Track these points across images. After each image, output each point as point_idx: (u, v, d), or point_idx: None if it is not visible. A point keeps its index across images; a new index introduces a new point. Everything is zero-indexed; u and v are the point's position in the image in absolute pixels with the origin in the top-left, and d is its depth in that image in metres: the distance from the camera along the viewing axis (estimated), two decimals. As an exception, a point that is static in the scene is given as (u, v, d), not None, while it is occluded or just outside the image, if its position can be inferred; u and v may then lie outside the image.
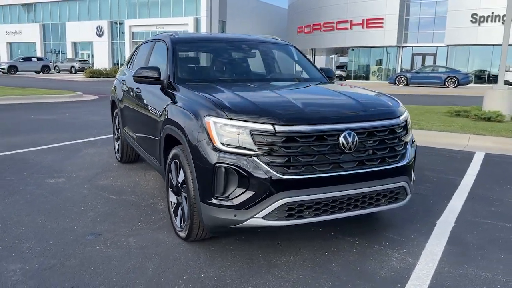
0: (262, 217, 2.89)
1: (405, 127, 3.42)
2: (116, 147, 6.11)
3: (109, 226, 3.77)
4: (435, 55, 37.75)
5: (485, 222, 4.00)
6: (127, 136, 5.33)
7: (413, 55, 39.02)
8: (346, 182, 3.04)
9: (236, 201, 2.89)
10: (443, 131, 8.33)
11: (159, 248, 3.33)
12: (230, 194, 2.90)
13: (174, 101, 3.58)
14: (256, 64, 4.58)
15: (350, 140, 3.00)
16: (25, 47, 58.83)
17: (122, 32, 51.18)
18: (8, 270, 2.96)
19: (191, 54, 4.48)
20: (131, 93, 4.96)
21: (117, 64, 50.92)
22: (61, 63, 47.19)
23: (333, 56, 40.87)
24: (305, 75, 4.68)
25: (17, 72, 39.75)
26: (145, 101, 4.36)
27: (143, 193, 4.70)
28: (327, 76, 4.71)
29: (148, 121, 4.16)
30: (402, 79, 30.40)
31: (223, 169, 2.88)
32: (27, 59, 42.49)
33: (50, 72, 42.67)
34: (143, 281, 2.84)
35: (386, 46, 38.98)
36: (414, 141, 3.63)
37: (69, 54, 54.44)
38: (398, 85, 29.95)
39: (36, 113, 11.53)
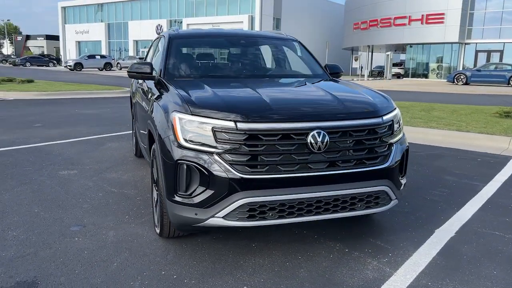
0: (222, 217, 2.80)
1: (390, 127, 3.19)
2: (133, 141, 6.25)
3: (96, 218, 3.84)
4: (501, 52, 35.34)
5: (492, 233, 3.64)
6: (136, 131, 5.44)
7: (477, 52, 36.78)
8: (315, 183, 2.87)
9: (196, 200, 2.82)
10: (483, 133, 7.74)
11: (133, 243, 3.34)
12: (192, 192, 2.84)
13: (158, 97, 3.56)
14: (253, 60, 4.47)
15: (319, 139, 2.83)
16: (92, 45, 62.13)
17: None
18: (-16, 256, 3.09)
19: (187, 49, 4.45)
20: (138, 89, 5.04)
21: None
22: (123, 60, 49.34)
23: (388, 53, 39.40)
24: (305, 72, 4.51)
25: (82, 69, 42.06)
26: (142, 97, 4.40)
27: (144, 187, 4.75)
28: (333, 72, 4.51)
29: (143, 116, 4.20)
30: (461, 77, 28.78)
31: (185, 166, 2.83)
32: (92, 56, 44.90)
33: (112, 69, 44.74)
34: (103, 274, 2.86)
35: (447, 43, 37.03)
36: (402, 141, 3.36)
37: (131, 52, 56.80)
38: (456, 84, 28.39)
39: (81, 108, 12.09)
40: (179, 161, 2.83)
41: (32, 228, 3.60)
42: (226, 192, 2.75)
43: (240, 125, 2.77)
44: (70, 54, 62.04)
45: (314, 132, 2.83)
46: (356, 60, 47.66)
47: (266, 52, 4.66)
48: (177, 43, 4.30)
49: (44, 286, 2.70)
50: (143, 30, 55.38)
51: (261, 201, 2.78)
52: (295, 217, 2.90)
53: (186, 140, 2.85)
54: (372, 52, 48.96)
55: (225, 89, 3.56)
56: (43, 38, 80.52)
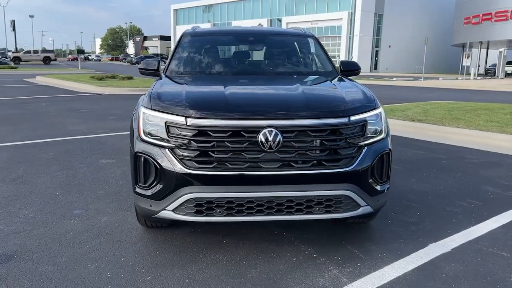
0: (172, 210, 2.86)
1: (362, 128, 2.96)
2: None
3: (102, 204, 4.13)
4: None
5: (497, 253, 3.20)
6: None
7: None
8: (266, 183, 2.79)
9: (150, 192, 2.92)
10: None
11: (116, 230, 3.54)
12: (148, 184, 2.94)
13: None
14: (258, 57, 4.42)
15: (270, 138, 2.74)
16: (198, 44, 65.63)
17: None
18: (-11, 229, 3.53)
19: (196, 47, 4.54)
20: None
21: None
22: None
23: (501, 49, 35.61)
24: (311, 69, 4.36)
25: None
26: None
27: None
28: (347, 70, 4.30)
29: None
30: None
31: (143, 159, 2.94)
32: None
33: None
34: (70, 255, 3.08)
35: None
36: (381, 144, 3.09)
37: (233, 51, 58.98)
38: None
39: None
40: (138, 153, 2.95)
41: (43, 208, 4.00)
42: (174, 186, 2.81)
43: (190, 121, 2.80)
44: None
45: (266, 130, 2.75)
46: (467, 57, 43.99)
47: (276, 48, 4.58)
48: (186, 41, 4.43)
49: (17, 260, 3.01)
50: (245, 30, 57.07)
51: (207, 197, 2.78)
52: (244, 216, 2.85)
53: (145, 134, 2.95)
54: (487, 49, 44.76)
55: (201, 85, 3.60)
56: (157, 39, 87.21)
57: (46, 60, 56.07)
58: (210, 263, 3.01)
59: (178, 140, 2.82)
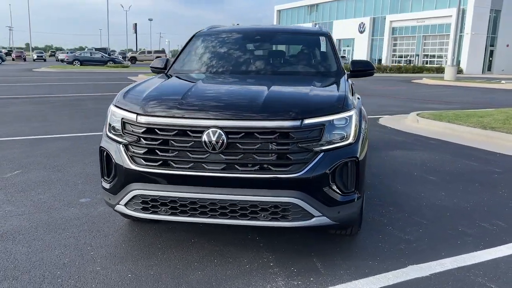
0: (124, 205, 2.93)
1: (319, 132, 2.74)
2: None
3: (108, 195, 4.37)
4: None
5: (486, 286, 2.74)
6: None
7: None
8: (210, 185, 2.72)
9: (109, 185, 3.02)
10: None
11: (102, 220, 3.71)
12: (108, 178, 3.05)
13: None
14: (260, 56, 4.28)
15: (214, 139, 2.67)
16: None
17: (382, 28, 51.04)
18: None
19: (205, 46, 4.54)
20: None
21: (375, 60, 51.30)
22: (322, 58, 50.94)
23: None
24: (313, 69, 4.13)
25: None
26: None
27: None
28: (356, 70, 4.03)
29: None
30: None
31: (104, 153, 3.05)
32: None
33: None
34: (46, 240, 3.30)
35: None
36: (346, 151, 2.82)
37: (333, 51, 58.00)
38: None
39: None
40: (101, 148, 3.07)
41: (58, 195, 4.35)
42: (124, 182, 2.87)
43: (139, 118, 2.84)
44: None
45: (210, 130, 2.68)
46: None
47: (282, 48, 4.41)
48: (195, 41, 4.49)
49: (1, 239, 3.31)
50: (346, 29, 55.83)
51: (152, 194, 2.80)
52: (188, 216, 2.81)
53: (110, 129, 3.06)
54: None
55: (173, 84, 3.58)
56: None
57: (158, 60, 60.47)
58: (163, 261, 3.02)
59: (131, 137, 2.87)
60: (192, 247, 3.23)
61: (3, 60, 50.40)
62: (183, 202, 2.78)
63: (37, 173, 5.08)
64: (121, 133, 2.93)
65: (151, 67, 4.38)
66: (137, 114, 2.86)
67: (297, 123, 2.70)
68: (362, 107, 3.49)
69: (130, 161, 2.84)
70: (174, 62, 4.29)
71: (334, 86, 3.29)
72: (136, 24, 76.13)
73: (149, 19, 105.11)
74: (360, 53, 53.62)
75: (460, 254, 3.17)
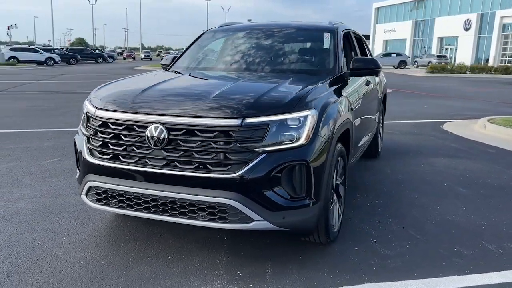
0: (84, 195, 3.05)
1: (262, 132, 2.59)
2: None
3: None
4: None
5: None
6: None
7: None
8: (152, 181, 2.73)
9: (77, 175, 3.17)
10: None
11: (96, 210, 3.88)
12: (77, 168, 3.20)
13: None
14: (256, 53, 4.13)
15: (155, 134, 2.67)
16: (397, 43, 62.85)
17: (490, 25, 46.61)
18: (14, 192, 4.32)
19: (212, 43, 4.51)
20: None
21: (481, 60, 47.12)
22: (420, 58, 48.08)
23: None
24: (306, 67, 3.93)
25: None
26: None
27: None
28: (356, 68, 3.75)
29: None
30: None
31: (75, 145, 3.21)
32: (387, 55, 45.77)
33: (406, 67, 44.35)
34: (34, 223, 3.56)
35: None
36: (294, 152, 2.63)
37: (434, 50, 54.46)
38: None
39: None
40: (74, 140, 3.24)
41: (73, 183, 4.62)
42: (83, 172, 3.00)
43: (97, 112, 2.94)
44: (374, 53, 64.76)
45: (152, 126, 2.69)
46: None
47: (280, 44, 4.22)
48: (202, 37, 4.51)
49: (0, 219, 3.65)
50: (449, 27, 51.96)
51: (103, 187, 2.88)
52: (134, 210, 2.84)
53: (82, 122, 3.21)
54: None
55: (146, 80, 3.59)
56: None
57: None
58: (120, 252, 3.09)
59: (91, 130, 2.99)
60: (157, 241, 3.26)
61: (114, 59, 55.38)
62: (129, 196, 2.82)
63: (70, 162, 5.49)
64: (85, 126, 3.06)
65: (161, 64, 4.49)
66: (96, 108, 2.97)
67: (237, 122, 2.59)
68: (341, 108, 3.23)
69: (88, 153, 2.95)
70: (177, 59, 4.36)
71: (303, 85, 3.09)
72: (236, 24, 78.72)
73: (248, 20, 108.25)
74: (464, 52, 49.53)
75: (436, 277, 2.80)
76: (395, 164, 5.68)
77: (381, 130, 6.13)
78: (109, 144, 2.87)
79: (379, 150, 5.96)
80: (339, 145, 3.20)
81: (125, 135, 2.81)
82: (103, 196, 2.93)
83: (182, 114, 2.68)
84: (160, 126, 2.67)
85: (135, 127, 2.77)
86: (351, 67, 3.78)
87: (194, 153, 2.64)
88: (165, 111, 2.73)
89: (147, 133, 2.70)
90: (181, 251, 3.11)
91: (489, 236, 3.44)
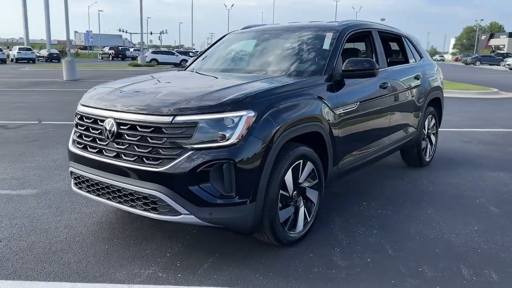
0: (72, 178, 3.49)
1: (191, 130, 2.72)
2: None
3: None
4: None
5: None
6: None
7: None
8: (106, 170, 3.03)
9: None
10: None
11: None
12: None
13: None
14: (256, 55, 4.13)
15: (108, 128, 2.98)
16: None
17: None
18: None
19: (228, 45, 4.63)
20: None
21: None
22: None
23: None
24: (295, 68, 3.81)
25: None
26: None
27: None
28: (348, 69, 3.61)
29: None
30: None
31: None
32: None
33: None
34: (43, 204, 4.16)
35: None
36: (226, 152, 2.69)
37: None
38: None
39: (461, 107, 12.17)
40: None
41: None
42: (68, 159, 3.45)
43: (78, 107, 3.36)
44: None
45: (107, 120, 3.00)
46: None
47: (282, 46, 4.17)
48: (221, 40, 4.70)
49: (9, 198, 4.28)
50: None
51: (76, 173, 3.28)
52: (97, 196, 3.16)
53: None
54: None
55: (133, 79, 3.85)
56: (505, 36, 77.56)
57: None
58: (97, 231, 3.47)
59: (74, 123, 3.42)
60: (135, 226, 3.57)
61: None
62: (92, 182, 3.17)
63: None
64: (75, 118, 3.50)
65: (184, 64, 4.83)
66: (79, 104, 3.39)
67: (168, 119, 2.75)
68: (304, 108, 3.17)
69: (71, 143, 3.39)
70: (194, 60, 4.63)
71: (259, 85, 3.14)
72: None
73: (381, 19, 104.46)
74: None
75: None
76: (438, 175, 5.18)
77: (432, 137, 5.62)
78: (82, 135, 3.26)
79: (426, 159, 5.48)
80: (304, 147, 3.16)
81: (92, 128, 3.17)
82: (78, 181, 3.33)
83: (128, 111, 2.94)
84: (112, 121, 2.96)
85: (98, 121, 3.11)
86: (342, 69, 3.63)
87: (135, 146, 2.88)
88: (117, 108, 3.01)
89: (104, 126, 3.01)
90: (147, 237, 3.37)
91: (475, 261, 3.03)
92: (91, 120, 3.17)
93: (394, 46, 5.46)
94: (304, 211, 3.31)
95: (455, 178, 5.03)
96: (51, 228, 3.53)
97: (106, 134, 2.99)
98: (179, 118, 2.75)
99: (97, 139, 3.12)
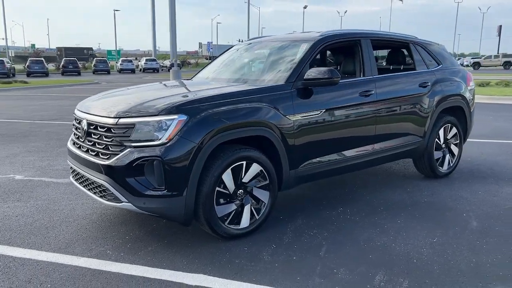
0: (72, 171, 4.22)
1: (129, 131, 3.21)
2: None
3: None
4: None
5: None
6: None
7: None
8: (81, 163, 3.65)
9: None
10: None
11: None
12: None
13: None
14: (251, 64, 4.46)
15: (82, 127, 3.62)
16: None
17: None
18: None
19: (224, 55, 5.09)
20: None
21: None
22: None
23: None
24: (268, 77, 4.05)
25: None
26: None
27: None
28: (308, 79, 3.79)
29: None
30: None
31: None
32: None
33: None
34: (40, 195, 4.96)
35: None
36: (157, 150, 3.14)
37: None
38: None
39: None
40: None
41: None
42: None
43: (75, 111, 4.06)
44: None
45: (83, 121, 3.64)
46: None
47: (270, 57, 4.43)
48: (227, 50, 5.17)
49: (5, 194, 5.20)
50: None
51: (68, 163, 3.98)
52: (79, 184, 3.81)
53: None
54: None
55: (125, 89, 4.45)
56: None
57: (506, 65, 54.27)
58: (63, 221, 4.14)
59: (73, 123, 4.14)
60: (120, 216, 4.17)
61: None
62: (76, 172, 3.83)
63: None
64: None
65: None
66: (76, 108, 4.09)
67: (114, 121, 3.29)
68: (246, 114, 3.48)
69: (70, 140, 4.10)
70: (200, 70, 5.13)
71: (197, 93, 3.56)
72: (501, 26, 70.84)
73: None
74: None
75: (265, 285, 2.82)
76: (446, 187, 4.93)
77: (453, 148, 5.33)
78: (74, 133, 3.96)
79: (441, 170, 5.22)
80: (249, 150, 3.46)
81: (77, 128, 3.84)
82: (72, 172, 4.03)
83: (94, 114, 3.54)
84: (85, 121, 3.59)
85: (80, 122, 3.77)
86: (304, 77, 3.81)
87: (97, 143, 3.46)
88: (90, 111, 3.63)
89: (81, 126, 3.66)
90: (124, 222, 3.93)
91: (398, 270, 3.02)
92: (78, 122, 3.84)
93: (399, 53, 5.36)
94: (251, 209, 3.58)
95: (463, 192, 4.76)
96: (57, 209, 4.29)
97: (82, 133, 3.62)
98: (122, 120, 3.27)
99: (79, 137, 3.77)
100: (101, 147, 3.40)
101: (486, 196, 4.61)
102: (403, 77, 4.80)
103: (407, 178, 5.37)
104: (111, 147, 3.31)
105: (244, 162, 3.47)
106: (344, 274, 2.97)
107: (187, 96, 3.48)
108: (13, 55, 65.53)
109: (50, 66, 48.43)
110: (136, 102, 3.48)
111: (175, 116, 3.19)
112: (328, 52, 5.74)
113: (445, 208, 4.25)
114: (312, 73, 3.78)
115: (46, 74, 38.54)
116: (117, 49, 64.31)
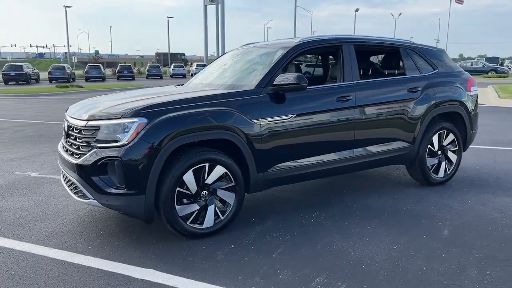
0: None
1: (95, 132, 3.46)
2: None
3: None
4: None
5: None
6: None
7: None
8: (63, 162, 3.94)
9: None
10: None
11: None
12: None
13: None
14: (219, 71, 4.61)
15: (65, 129, 3.93)
16: None
17: None
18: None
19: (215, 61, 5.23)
20: None
21: None
22: None
23: None
24: (243, 82, 4.16)
25: None
26: None
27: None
28: (277, 84, 3.88)
29: None
30: None
31: None
32: None
33: None
34: (38, 190, 5.33)
35: None
36: (118, 151, 3.37)
37: None
38: None
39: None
40: None
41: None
42: None
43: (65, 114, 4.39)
44: None
45: (66, 123, 3.95)
46: None
47: (247, 62, 4.51)
48: (221, 56, 5.34)
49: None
50: None
51: (58, 163, 4.31)
52: (63, 180, 4.13)
53: None
54: None
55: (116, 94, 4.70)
56: None
57: None
58: (52, 214, 4.45)
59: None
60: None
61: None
62: (62, 172, 4.14)
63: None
64: None
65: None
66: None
67: (84, 123, 3.56)
68: (208, 118, 3.62)
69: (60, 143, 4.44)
70: (197, 75, 5.34)
71: (161, 98, 3.78)
72: None
73: None
74: None
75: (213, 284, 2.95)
76: (437, 195, 4.79)
77: (450, 155, 5.16)
78: (62, 136, 4.28)
79: (436, 177, 5.07)
80: (213, 152, 3.61)
81: (67, 128, 4.16)
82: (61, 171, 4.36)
83: (72, 117, 3.84)
84: (66, 123, 3.90)
85: (65, 124, 4.08)
86: (273, 83, 3.90)
87: (72, 144, 3.75)
88: (71, 115, 3.93)
89: (64, 128, 3.97)
90: (110, 217, 4.20)
91: (342, 274, 3.03)
92: (65, 123, 4.16)
93: (390, 58, 5.28)
94: (216, 210, 3.71)
95: (452, 200, 4.62)
96: (53, 205, 4.64)
97: (64, 134, 3.93)
98: (90, 123, 3.53)
99: (64, 137, 4.09)
100: (75, 147, 3.68)
101: (474, 205, 4.45)
102: (389, 82, 4.74)
103: (401, 185, 5.27)
104: (81, 148, 3.58)
105: (207, 164, 3.61)
106: (286, 275, 3.04)
107: (152, 101, 3.68)
108: (75, 61, 69.49)
109: (107, 72, 50.99)
110: (106, 106, 3.74)
111: (135, 119, 3.40)
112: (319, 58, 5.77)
113: (423, 216, 4.16)
114: (280, 78, 3.87)
115: (103, 79, 40.64)
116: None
